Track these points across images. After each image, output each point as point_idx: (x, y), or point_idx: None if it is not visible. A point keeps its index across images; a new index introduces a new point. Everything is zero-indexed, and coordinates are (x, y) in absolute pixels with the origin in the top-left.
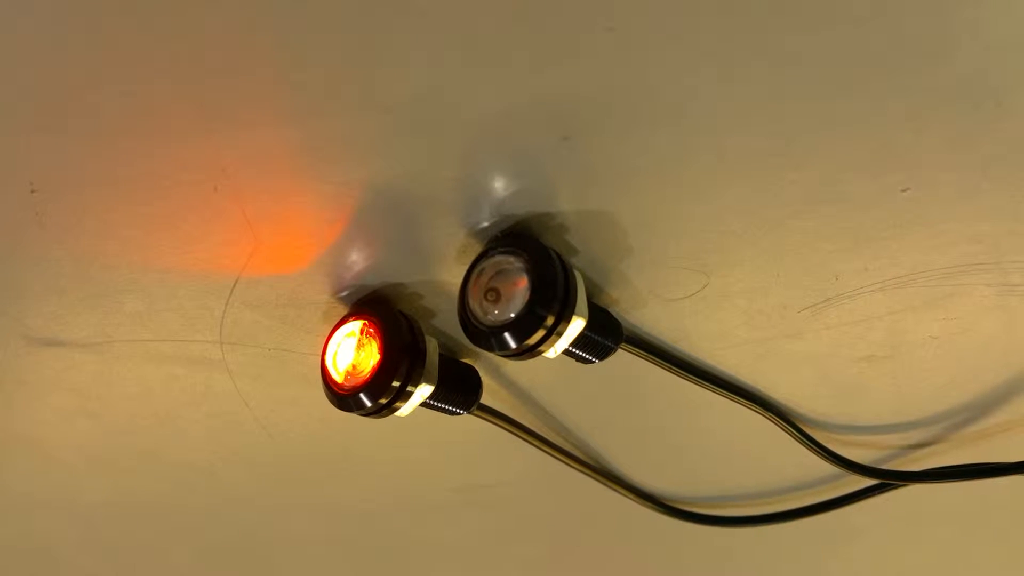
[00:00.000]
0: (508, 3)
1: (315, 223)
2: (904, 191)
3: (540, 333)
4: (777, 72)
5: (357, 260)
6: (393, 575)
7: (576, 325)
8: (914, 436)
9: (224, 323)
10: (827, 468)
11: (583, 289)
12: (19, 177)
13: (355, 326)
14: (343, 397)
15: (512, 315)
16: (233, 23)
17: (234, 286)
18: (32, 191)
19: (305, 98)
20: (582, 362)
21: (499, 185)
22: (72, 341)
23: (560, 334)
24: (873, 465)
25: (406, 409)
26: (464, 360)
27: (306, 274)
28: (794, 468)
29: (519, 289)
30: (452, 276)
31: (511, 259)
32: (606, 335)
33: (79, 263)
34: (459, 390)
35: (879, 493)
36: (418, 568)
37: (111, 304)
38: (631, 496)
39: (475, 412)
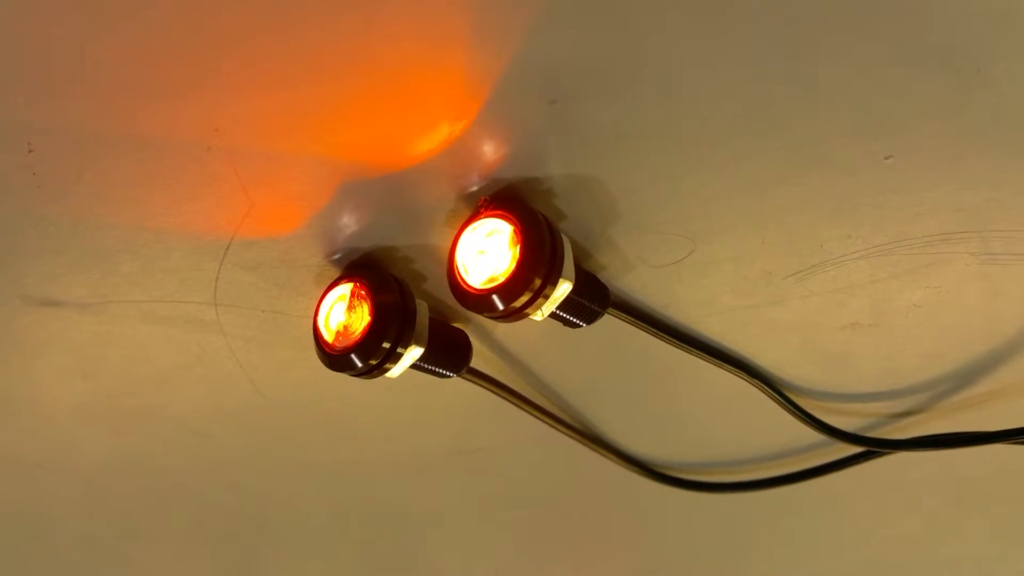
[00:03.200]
0: None
1: (307, 186)
2: (887, 159)
3: (527, 296)
4: (760, 39)
5: (349, 223)
6: (382, 536)
7: (563, 288)
8: (899, 405)
9: (218, 284)
10: (813, 435)
11: (570, 253)
12: (17, 136)
13: (346, 288)
14: (334, 358)
15: (502, 278)
16: None
17: (228, 247)
18: (30, 151)
19: (296, 62)
20: (570, 326)
21: (488, 149)
22: (69, 301)
23: (547, 297)
24: (858, 433)
25: (396, 371)
26: (455, 324)
27: (299, 236)
28: (780, 435)
29: (507, 253)
30: (443, 240)
31: (500, 223)
32: (593, 299)
33: (76, 223)
34: (449, 352)
35: (864, 461)
36: (407, 530)
37: (107, 264)
38: (619, 461)
39: (465, 376)
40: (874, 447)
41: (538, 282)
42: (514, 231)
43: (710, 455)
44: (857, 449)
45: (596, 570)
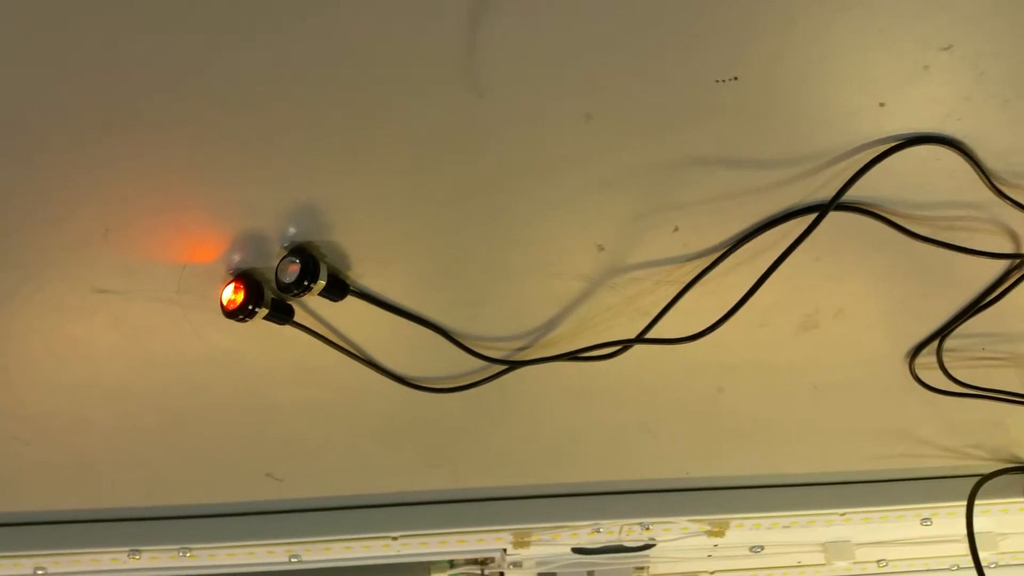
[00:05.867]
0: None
1: (216, 244)
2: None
3: (302, 286)
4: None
5: (236, 258)
6: (274, 421)
7: (320, 284)
8: (519, 343)
9: (180, 283)
10: (480, 362)
11: (326, 270)
12: (97, 223)
13: (233, 284)
14: (228, 313)
15: (292, 280)
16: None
17: (184, 268)
18: (107, 230)
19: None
20: (332, 300)
21: (291, 231)
22: (115, 290)
23: (312, 286)
24: (501, 358)
25: (257, 319)
26: (288, 301)
27: (214, 264)
28: (468, 362)
29: (296, 269)
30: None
31: (294, 258)
32: (338, 289)
33: (131, 261)
34: (282, 312)
35: (510, 372)
36: (281, 415)
37: (136, 276)
38: (390, 377)
39: (293, 325)
40: (511, 364)
41: (306, 281)
42: (300, 261)
43: (440, 372)
44: (502, 367)
45: None
